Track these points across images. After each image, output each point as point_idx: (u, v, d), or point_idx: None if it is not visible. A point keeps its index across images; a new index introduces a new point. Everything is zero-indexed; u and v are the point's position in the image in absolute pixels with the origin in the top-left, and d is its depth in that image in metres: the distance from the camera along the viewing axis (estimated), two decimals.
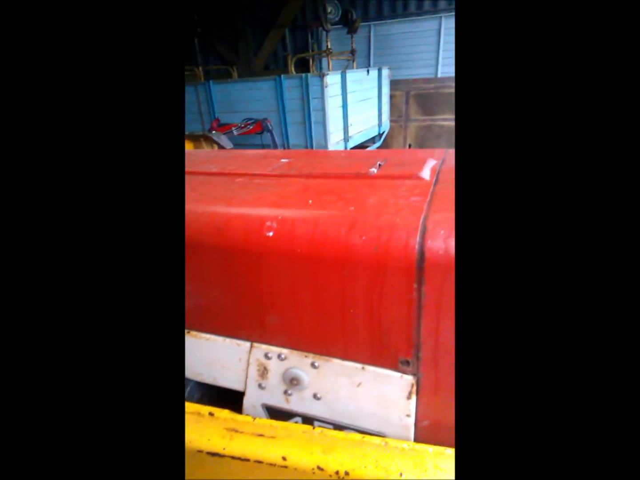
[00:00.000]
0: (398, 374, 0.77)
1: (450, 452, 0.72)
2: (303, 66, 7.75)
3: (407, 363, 0.75)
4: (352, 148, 6.05)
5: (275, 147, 5.50)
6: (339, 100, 5.58)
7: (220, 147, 4.90)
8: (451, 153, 1.21)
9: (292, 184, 0.96)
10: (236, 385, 0.89)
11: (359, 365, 0.79)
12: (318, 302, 0.76)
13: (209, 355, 0.90)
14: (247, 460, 0.74)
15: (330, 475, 0.70)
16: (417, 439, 0.79)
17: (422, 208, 0.74)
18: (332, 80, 5.33)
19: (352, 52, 6.68)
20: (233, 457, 0.75)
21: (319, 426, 0.82)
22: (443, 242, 0.66)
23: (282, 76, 5.54)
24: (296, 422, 0.86)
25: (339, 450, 0.74)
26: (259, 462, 0.73)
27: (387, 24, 7.55)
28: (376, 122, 6.77)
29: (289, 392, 0.84)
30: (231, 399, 0.92)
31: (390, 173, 0.97)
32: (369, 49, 7.86)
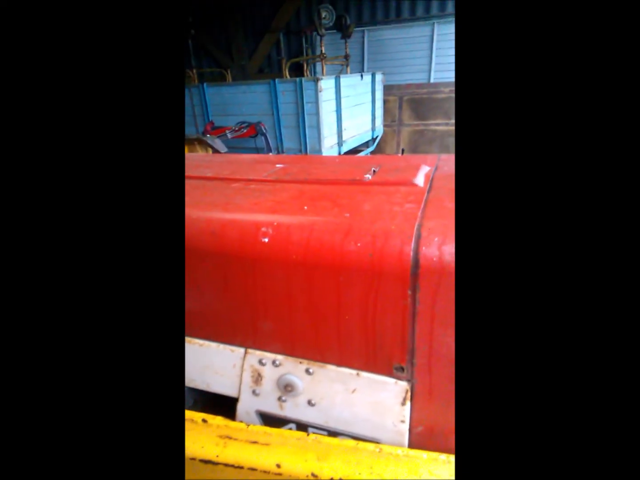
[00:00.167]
0: (392, 380, 0.77)
1: (445, 457, 0.72)
2: (297, 70, 7.78)
3: (402, 369, 0.75)
4: (345, 152, 6.08)
5: (269, 150, 5.50)
6: (333, 105, 5.61)
7: (215, 150, 4.89)
8: (444, 159, 1.22)
9: (287, 189, 0.96)
10: (230, 392, 0.89)
11: (353, 372, 0.79)
12: (313, 308, 0.76)
13: (203, 361, 0.89)
14: (241, 467, 0.73)
15: None
16: (411, 444, 0.79)
17: (416, 215, 0.75)
18: (327, 84, 5.35)
19: (346, 57, 6.73)
20: (226, 465, 0.74)
21: (313, 433, 0.82)
22: (437, 249, 0.66)
23: (277, 80, 5.55)
24: (290, 429, 0.86)
25: (334, 457, 0.74)
26: (253, 469, 0.73)
27: (381, 29, 7.61)
28: (370, 126, 6.81)
29: (283, 398, 0.84)
30: (224, 405, 0.92)
31: (384, 179, 0.97)
32: (363, 54, 7.91)
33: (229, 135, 5.52)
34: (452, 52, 6.99)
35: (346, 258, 0.71)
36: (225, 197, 0.92)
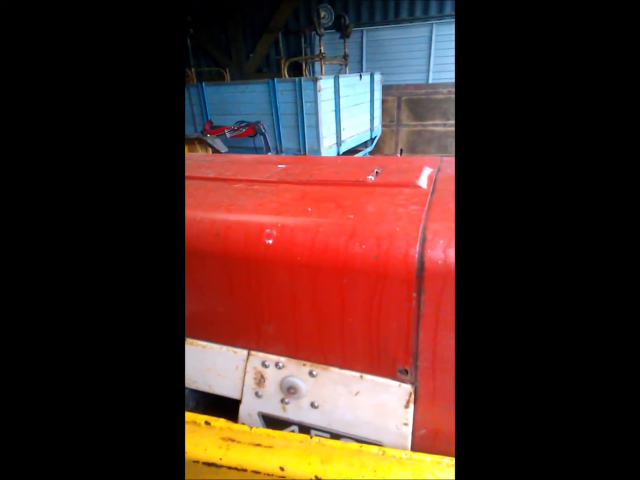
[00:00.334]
0: (396, 383, 0.77)
1: (448, 460, 0.72)
2: (295, 70, 7.77)
3: (406, 372, 0.75)
4: (344, 152, 6.07)
5: (268, 150, 5.50)
6: (331, 105, 5.61)
7: (215, 150, 4.88)
8: (446, 161, 1.22)
9: (290, 190, 0.96)
10: (232, 394, 0.88)
11: (357, 374, 0.79)
12: (317, 310, 0.76)
13: (205, 363, 0.89)
14: (245, 470, 0.73)
15: None
16: (414, 447, 0.79)
17: (420, 217, 0.75)
18: (325, 84, 5.35)
19: (345, 56, 6.72)
20: (230, 468, 0.74)
21: (316, 435, 0.81)
22: (442, 251, 0.66)
23: (276, 79, 5.54)
24: (292, 431, 0.86)
25: (337, 459, 0.74)
26: (257, 472, 0.73)
27: (379, 29, 7.61)
28: (368, 126, 6.81)
29: (286, 400, 0.84)
30: (226, 407, 0.91)
31: (387, 181, 0.97)
32: (361, 54, 7.91)
33: (228, 135, 5.51)
34: (450, 53, 7.03)
35: (350, 260, 0.71)
36: (229, 198, 0.92)
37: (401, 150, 7.29)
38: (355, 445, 0.76)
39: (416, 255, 0.67)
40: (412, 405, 0.76)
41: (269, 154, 5.38)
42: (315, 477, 0.71)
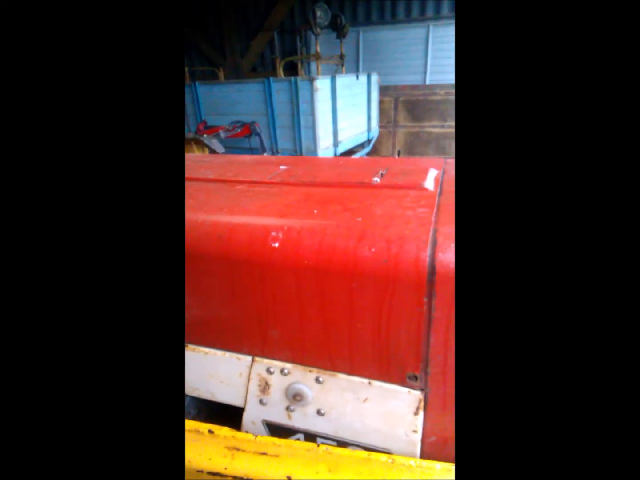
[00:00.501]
0: (406, 389, 0.75)
1: None
2: (290, 70, 7.74)
3: (415, 378, 0.73)
4: (341, 153, 6.05)
5: (263, 151, 5.46)
6: (328, 105, 5.58)
7: (212, 151, 4.83)
8: (450, 163, 1.21)
9: (294, 192, 0.94)
10: (236, 401, 0.86)
11: (365, 381, 0.77)
12: (324, 315, 0.74)
13: (208, 370, 0.87)
14: None
15: None
16: (424, 455, 0.77)
17: (430, 220, 0.73)
18: (322, 84, 5.32)
19: (341, 57, 6.70)
20: (235, 477, 0.72)
21: (323, 443, 0.79)
22: (454, 255, 0.65)
23: (271, 79, 5.50)
24: (298, 439, 0.84)
25: (345, 468, 0.72)
26: None
27: (376, 30, 7.61)
28: (365, 127, 6.79)
29: (292, 408, 0.82)
30: (229, 415, 0.89)
31: (393, 183, 0.96)
32: (358, 54, 7.90)
33: (223, 135, 5.45)
34: (448, 54, 7.05)
35: (359, 264, 0.69)
36: (231, 200, 0.90)
37: (399, 152, 7.29)
38: (363, 454, 0.74)
39: (427, 259, 0.65)
40: (421, 412, 0.75)
41: (265, 154, 5.35)
42: None
